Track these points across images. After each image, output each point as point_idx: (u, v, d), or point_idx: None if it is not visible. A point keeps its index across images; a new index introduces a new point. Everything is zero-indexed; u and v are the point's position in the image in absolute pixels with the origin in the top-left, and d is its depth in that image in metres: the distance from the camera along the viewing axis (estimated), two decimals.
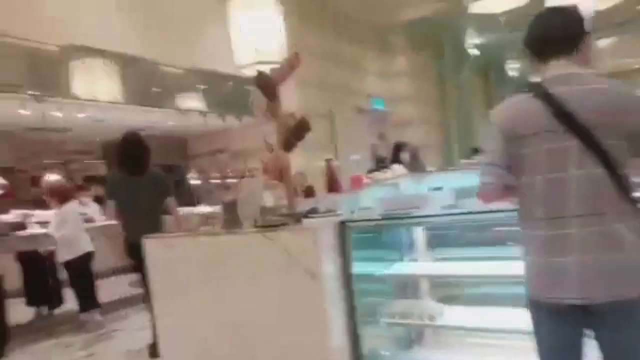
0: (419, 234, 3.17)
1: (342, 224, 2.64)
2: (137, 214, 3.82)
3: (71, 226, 4.88)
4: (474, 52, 13.93)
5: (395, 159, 6.32)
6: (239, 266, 2.73)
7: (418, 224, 2.90)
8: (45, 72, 6.51)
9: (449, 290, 3.23)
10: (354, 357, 2.65)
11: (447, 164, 11.11)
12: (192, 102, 8.35)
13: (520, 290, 1.74)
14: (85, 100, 6.85)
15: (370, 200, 3.32)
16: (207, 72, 8.34)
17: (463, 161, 7.01)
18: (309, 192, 3.95)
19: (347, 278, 2.66)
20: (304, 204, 3.16)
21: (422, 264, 3.18)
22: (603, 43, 16.74)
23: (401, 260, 3.25)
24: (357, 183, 4.17)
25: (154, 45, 7.42)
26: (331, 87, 9.83)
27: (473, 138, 13.59)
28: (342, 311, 2.63)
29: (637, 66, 19.06)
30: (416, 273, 3.06)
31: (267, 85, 2.99)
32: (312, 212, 2.99)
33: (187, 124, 8.35)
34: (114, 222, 7.13)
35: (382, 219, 2.64)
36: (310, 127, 2.97)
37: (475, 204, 2.67)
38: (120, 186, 3.90)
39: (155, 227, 3.67)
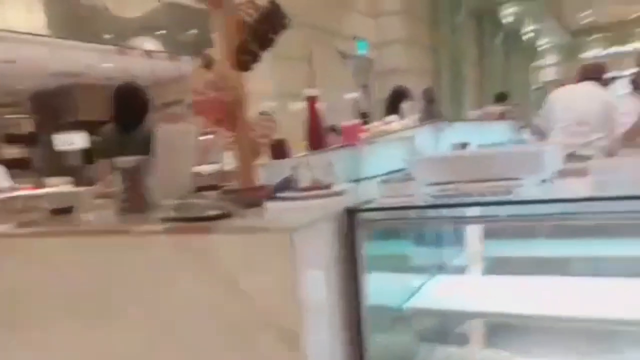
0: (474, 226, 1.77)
1: (351, 214, 1.22)
2: None
3: None
4: None
5: (394, 110, 4.86)
6: (127, 306, 1.29)
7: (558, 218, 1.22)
8: None
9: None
10: None
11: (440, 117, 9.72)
12: (136, 40, 6.68)
13: None
14: None
15: (391, 162, 1.89)
16: None
17: (474, 112, 5.61)
18: (280, 150, 2.46)
19: (358, 324, 1.28)
20: (269, 171, 1.69)
21: (480, 281, 1.81)
22: None
23: (439, 269, 1.85)
24: (352, 135, 2.68)
25: None
26: (309, 25, 8.17)
27: (464, 89, 12.20)
28: None
29: (634, 15, 17.91)
30: (477, 310, 1.58)
31: None
32: (285, 186, 1.55)
33: (130, 66, 6.69)
34: (27, 192, 5.60)
35: (455, 205, 1.20)
36: (287, 18, 1.50)
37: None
38: (111, 145, 3.31)
39: None
